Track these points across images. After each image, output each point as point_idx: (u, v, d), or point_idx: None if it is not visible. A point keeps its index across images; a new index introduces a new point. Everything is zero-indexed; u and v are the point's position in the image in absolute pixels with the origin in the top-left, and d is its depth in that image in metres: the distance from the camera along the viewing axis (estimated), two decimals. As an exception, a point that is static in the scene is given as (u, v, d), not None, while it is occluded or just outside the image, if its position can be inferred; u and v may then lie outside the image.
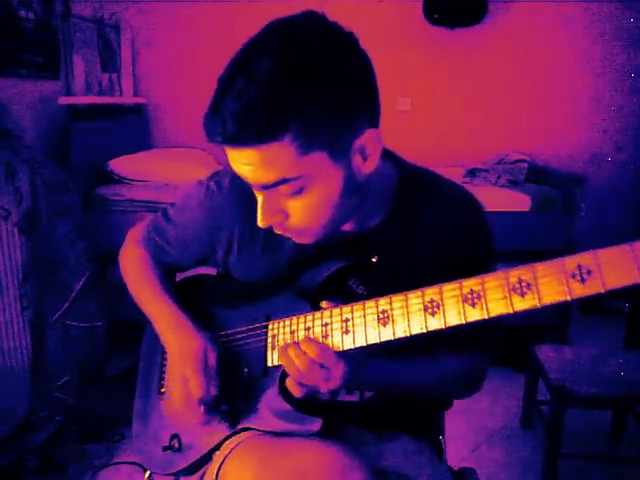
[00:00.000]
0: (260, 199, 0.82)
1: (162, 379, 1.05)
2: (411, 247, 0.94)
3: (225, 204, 0.99)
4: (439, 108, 3.43)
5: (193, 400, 0.91)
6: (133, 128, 3.36)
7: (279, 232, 0.87)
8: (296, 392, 0.86)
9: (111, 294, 2.34)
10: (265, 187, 0.79)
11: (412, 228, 0.94)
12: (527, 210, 2.79)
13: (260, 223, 0.83)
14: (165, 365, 1.04)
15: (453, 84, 3.48)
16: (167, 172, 2.82)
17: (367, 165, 0.82)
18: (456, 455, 1.98)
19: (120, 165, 2.81)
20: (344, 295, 0.89)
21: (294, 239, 0.88)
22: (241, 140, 0.74)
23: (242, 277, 1.03)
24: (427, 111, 3.50)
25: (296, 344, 0.85)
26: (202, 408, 0.92)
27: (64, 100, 2.71)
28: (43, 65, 2.59)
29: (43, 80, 2.61)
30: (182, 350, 0.95)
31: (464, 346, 0.97)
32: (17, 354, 1.83)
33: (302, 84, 0.73)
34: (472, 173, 3.09)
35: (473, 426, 2.27)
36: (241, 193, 0.96)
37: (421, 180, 0.96)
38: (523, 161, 3.18)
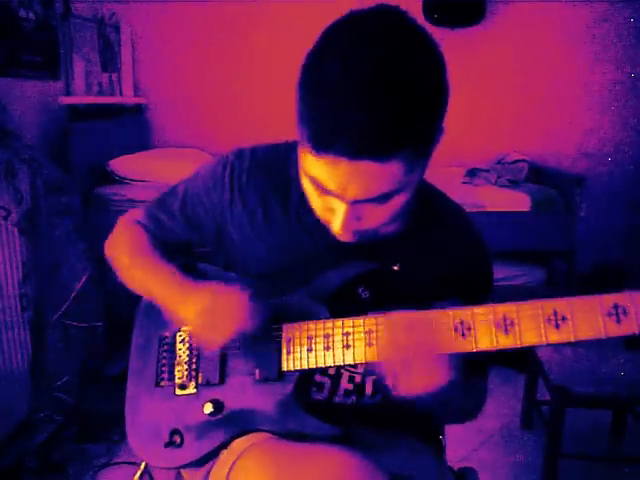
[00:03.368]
0: (343, 209, 0.77)
1: (162, 372, 1.02)
2: (424, 260, 0.93)
3: (246, 177, 0.95)
4: (439, 108, 3.43)
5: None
6: (133, 128, 3.36)
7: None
8: (389, 380, 0.81)
9: (111, 294, 2.34)
10: (358, 202, 0.76)
11: (426, 242, 0.94)
12: (527, 210, 2.78)
13: (339, 231, 0.80)
14: (165, 357, 1.01)
15: (453, 84, 3.47)
16: (167, 172, 2.80)
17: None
18: (456, 455, 1.97)
19: (120, 165, 2.81)
20: (349, 300, 0.88)
21: (337, 237, 0.83)
22: (369, 153, 0.70)
23: (248, 266, 0.98)
24: (427, 111, 3.49)
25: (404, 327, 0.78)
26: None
27: (64, 100, 2.71)
28: (43, 65, 2.59)
29: (43, 80, 2.61)
30: (214, 289, 0.89)
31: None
32: (17, 354, 1.82)
33: (428, 101, 0.72)
34: (472, 173, 3.09)
35: (473, 426, 2.26)
36: (261, 173, 0.94)
37: (436, 198, 0.97)
38: (523, 161, 3.18)
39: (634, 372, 1.91)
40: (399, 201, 0.78)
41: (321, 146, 0.71)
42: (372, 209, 0.78)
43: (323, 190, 0.77)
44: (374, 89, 0.69)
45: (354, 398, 0.97)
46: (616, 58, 3.39)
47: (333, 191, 0.76)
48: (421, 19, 3.28)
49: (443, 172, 2.76)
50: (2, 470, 1.79)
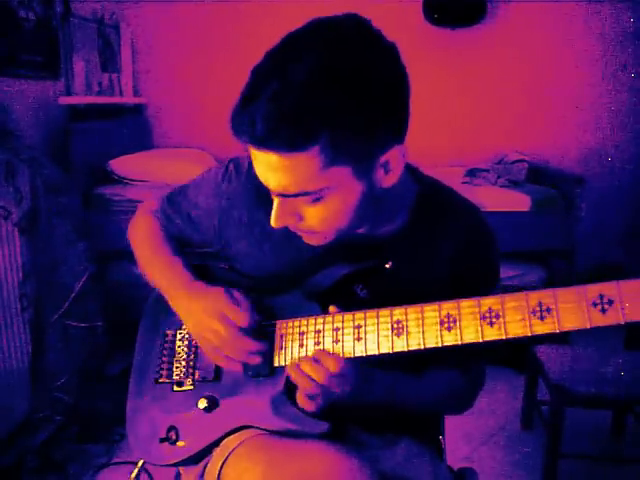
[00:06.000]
0: (276, 202, 0.82)
1: (161, 369, 1.04)
2: (422, 259, 0.94)
3: (241, 188, 0.99)
4: (439, 108, 3.43)
5: (237, 331, 0.88)
6: (133, 128, 3.35)
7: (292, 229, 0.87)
8: (310, 407, 0.86)
9: (111, 294, 2.34)
10: (283, 196, 0.79)
11: (425, 241, 0.94)
12: (527, 210, 2.78)
13: (273, 224, 0.83)
14: (165, 355, 1.03)
15: (453, 84, 3.48)
16: (167, 172, 2.81)
17: (388, 179, 0.81)
18: (456, 455, 1.98)
19: (120, 165, 2.81)
20: (347, 299, 0.89)
21: (304, 239, 0.88)
22: (268, 144, 0.73)
23: (247, 268, 1.02)
24: (427, 111, 3.49)
25: (309, 359, 0.83)
26: (250, 339, 0.88)
27: (64, 100, 2.71)
28: (43, 65, 2.59)
29: (43, 80, 2.61)
30: (207, 296, 0.92)
31: (465, 362, 0.97)
32: (17, 354, 1.83)
33: (339, 96, 0.71)
34: (472, 173, 3.09)
35: (473, 426, 2.26)
36: (257, 183, 0.95)
37: (439, 196, 0.97)
38: (523, 161, 3.18)
39: (634, 372, 1.91)
40: (337, 203, 0.79)
41: (233, 131, 0.76)
42: (308, 208, 0.81)
43: (262, 183, 0.82)
44: (281, 82, 0.71)
45: None
46: (617, 58, 3.39)
47: (262, 182, 0.81)
48: (421, 19, 3.29)
49: (443, 172, 2.75)
50: (2, 469, 1.80)
